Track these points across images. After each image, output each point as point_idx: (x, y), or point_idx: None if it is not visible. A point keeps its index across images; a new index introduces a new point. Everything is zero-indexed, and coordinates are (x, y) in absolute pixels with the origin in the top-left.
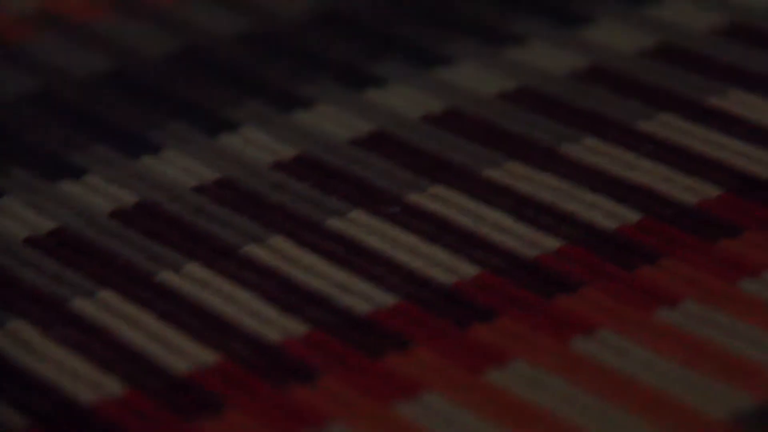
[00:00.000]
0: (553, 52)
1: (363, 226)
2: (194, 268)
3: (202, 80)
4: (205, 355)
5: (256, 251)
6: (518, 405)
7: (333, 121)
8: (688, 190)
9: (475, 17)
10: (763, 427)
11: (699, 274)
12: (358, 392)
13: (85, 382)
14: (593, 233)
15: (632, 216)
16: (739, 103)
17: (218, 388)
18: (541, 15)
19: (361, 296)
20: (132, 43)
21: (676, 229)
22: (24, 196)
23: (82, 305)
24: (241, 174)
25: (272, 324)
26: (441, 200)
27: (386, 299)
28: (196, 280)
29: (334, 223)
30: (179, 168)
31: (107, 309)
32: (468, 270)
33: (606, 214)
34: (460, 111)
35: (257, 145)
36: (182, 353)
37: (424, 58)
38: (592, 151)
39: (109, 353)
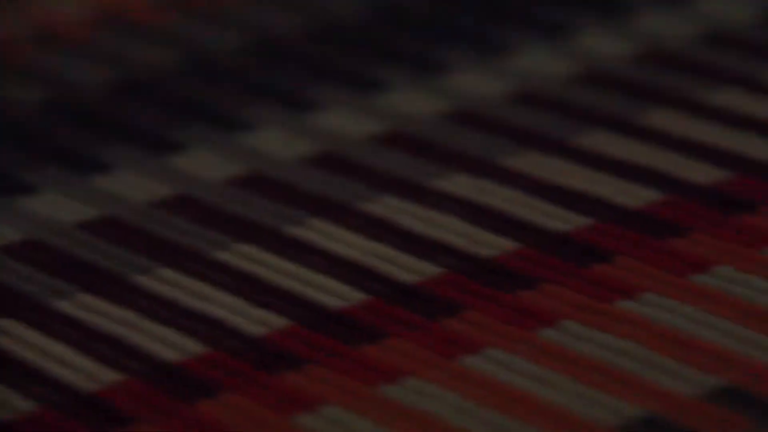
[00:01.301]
0: (352, 117)
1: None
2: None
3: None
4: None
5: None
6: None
7: (134, 187)
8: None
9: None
10: None
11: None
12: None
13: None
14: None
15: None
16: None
17: None
18: (338, 81)
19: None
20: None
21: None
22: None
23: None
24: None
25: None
26: (246, 257)
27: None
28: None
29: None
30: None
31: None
32: (278, 322)
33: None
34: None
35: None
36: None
37: (228, 124)
38: (395, 210)
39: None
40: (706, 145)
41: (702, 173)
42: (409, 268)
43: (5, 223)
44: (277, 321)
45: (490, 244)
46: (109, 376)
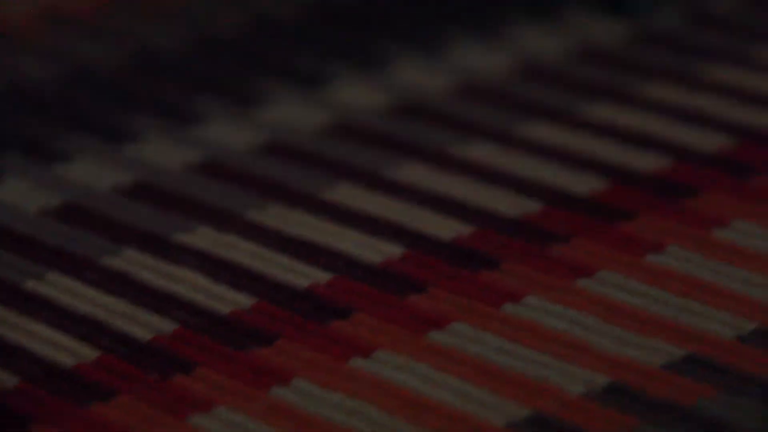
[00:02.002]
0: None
1: None
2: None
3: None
4: None
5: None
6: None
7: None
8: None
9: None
10: None
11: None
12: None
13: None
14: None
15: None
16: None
17: None
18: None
19: None
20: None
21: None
22: None
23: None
24: None
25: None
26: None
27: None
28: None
29: None
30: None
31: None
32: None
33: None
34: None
35: None
36: None
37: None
38: (131, 262)
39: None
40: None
41: (439, 228)
42: (144, 324)
43: None
44: None
45: (226, 299)
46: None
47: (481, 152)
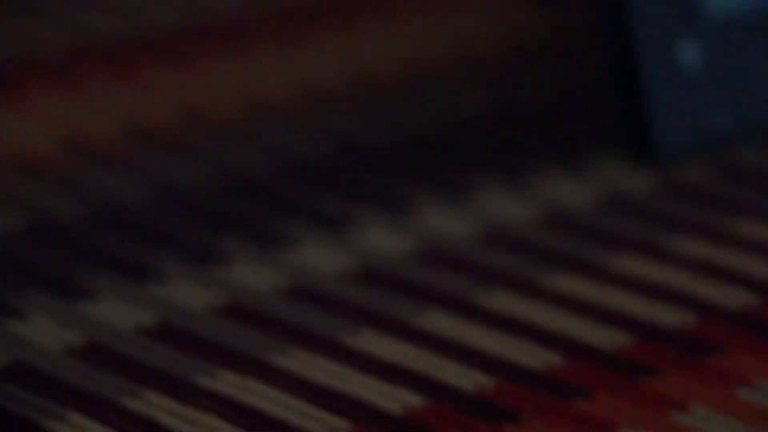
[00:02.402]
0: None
1: None
2: None
3: None
4: None
5: None
6: None
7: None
8: None
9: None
10: None
11: None
12: None
13: None
14: None
15: None
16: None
17: None
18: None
19: None
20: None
21: None
22: None
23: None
24: None
25: None
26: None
27: None
28: None
29: None
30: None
31: None
32: None
33: None
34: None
35: None
36: None
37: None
38: (151, 404)
39: None
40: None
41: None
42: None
43: None
44: None
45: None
46: None
47: (505, 301)
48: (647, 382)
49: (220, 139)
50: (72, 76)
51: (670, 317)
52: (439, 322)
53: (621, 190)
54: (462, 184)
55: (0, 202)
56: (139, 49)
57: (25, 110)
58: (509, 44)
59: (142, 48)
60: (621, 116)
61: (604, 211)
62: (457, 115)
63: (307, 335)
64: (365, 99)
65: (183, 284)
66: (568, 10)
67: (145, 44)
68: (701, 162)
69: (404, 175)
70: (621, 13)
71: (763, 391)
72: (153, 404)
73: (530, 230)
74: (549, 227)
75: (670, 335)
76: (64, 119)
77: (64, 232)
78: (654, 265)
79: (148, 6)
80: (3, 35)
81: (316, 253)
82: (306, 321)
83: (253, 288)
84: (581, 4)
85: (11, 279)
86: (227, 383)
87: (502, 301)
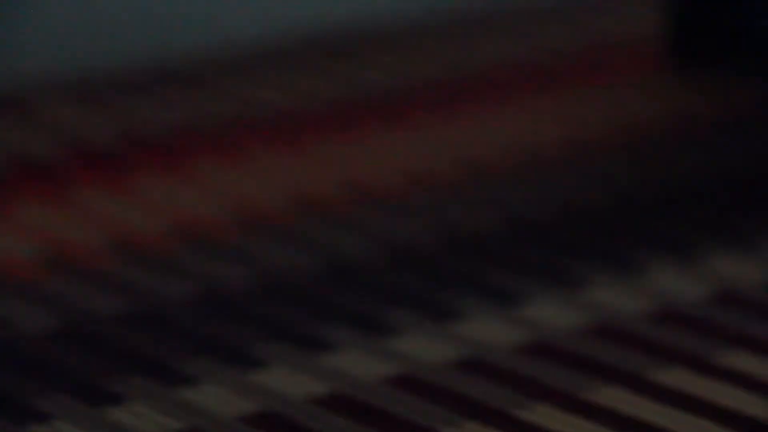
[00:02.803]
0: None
1: None
2: None
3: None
4: None
5: None
6: None
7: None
8: None
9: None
10: None
11: None
12: None
13: None
14: None
15: None
16: None
17: None
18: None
19: None
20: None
21: None
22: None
23: None
24: None
25: None
26: None
27: None
28: None
29: None
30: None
31: None
32: None
33: None
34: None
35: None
36: None
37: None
38: None
39: None
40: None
41: None
42: None
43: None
44: None
45: None
46: None
47: (679, 378)
48: None
49: (385, 212)
50: (239, 148)
51: None
52: (614, 397)
53: None
54: (630, 260)
55: (170, 270)
56: (303, 122)
57: (194, 180)
58: (672, 123)
59: (307, 120)
60: None
61: None
62: (625, 191)
63: (479, 408)
64: (532, 174)
65: (354, 354)
66: (733, 91)
67: (309, 117)
68: None
69: (573, 251)
70: None
71: None
72: None
73: (701, 308)
74: (720, 305)
75: None
76: (230, 190)
77: (234, 301)
78: None
79: (313, 81)
80: (173, 106)
81: (486, 327)
82: (478, 394)
83: (425, 360)
84: (748, 85)
85: (187, 348)
86: None
87: (676, 378)
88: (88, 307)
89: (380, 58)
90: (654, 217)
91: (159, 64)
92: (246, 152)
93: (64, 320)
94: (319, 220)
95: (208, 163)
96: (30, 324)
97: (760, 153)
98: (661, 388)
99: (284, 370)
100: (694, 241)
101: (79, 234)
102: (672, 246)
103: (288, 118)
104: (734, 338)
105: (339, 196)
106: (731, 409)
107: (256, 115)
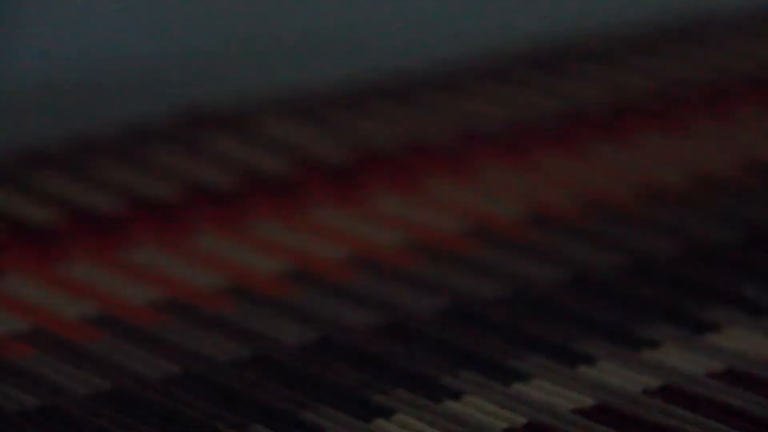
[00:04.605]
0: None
1: None
2: None
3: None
4: None
5: None
6: None
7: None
8: None
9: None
10: None
11: None
12: None
13: None
14: None
15: None
16: None
17: None
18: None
19: None
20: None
21: None
22: None
23: None
24: None
25: None
26: None
27: None
28: None
29: None
30: None
31: None
32: None
33: None
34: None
35: None
36: None
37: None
38: None
39: None
40: None
41: None
42: None
43: None
44: None
45: None
46: None
47: None
48: None
49: (619, 224)
50: (467, 163)
51: None
52: None
53: None
54: None
55: (416, 285)
56: (530, 135)
57: (422, 195)
58: None
59: (533, 134)
60: None
61: None
62: None
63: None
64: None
65: (613, 367)
66: None
67: (535, 130)
68: None
69: None
70: None
71: None
72: None
73: None
74: None
75: None
76: (463, 204)
77: (483, 313)
78: None
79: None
80: (393, 122)
81: (743, 338)
82: (744, 405)
83: (685, 372)
84: None
85: (446, 360)
86: None
87: None
88: (339, 320)
89: (592, 71)
90: None
91: (369, 81)
92: (475, 166)
93: (319, 332)
94: (553, 233)
95: (437, 178)
96: (285, 336)
97: None
98: None
99: (546, 383)
100: None
101: (320, 249)
102: None
103: (516, 131)
104: None
105: (573, 209)
106: None
107: (483, 130)
